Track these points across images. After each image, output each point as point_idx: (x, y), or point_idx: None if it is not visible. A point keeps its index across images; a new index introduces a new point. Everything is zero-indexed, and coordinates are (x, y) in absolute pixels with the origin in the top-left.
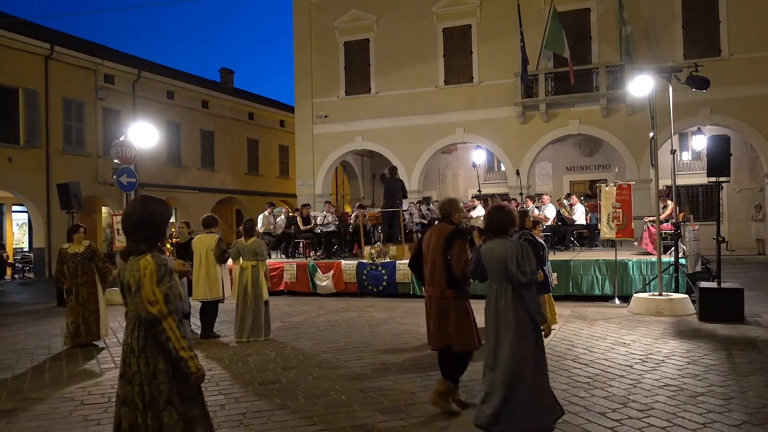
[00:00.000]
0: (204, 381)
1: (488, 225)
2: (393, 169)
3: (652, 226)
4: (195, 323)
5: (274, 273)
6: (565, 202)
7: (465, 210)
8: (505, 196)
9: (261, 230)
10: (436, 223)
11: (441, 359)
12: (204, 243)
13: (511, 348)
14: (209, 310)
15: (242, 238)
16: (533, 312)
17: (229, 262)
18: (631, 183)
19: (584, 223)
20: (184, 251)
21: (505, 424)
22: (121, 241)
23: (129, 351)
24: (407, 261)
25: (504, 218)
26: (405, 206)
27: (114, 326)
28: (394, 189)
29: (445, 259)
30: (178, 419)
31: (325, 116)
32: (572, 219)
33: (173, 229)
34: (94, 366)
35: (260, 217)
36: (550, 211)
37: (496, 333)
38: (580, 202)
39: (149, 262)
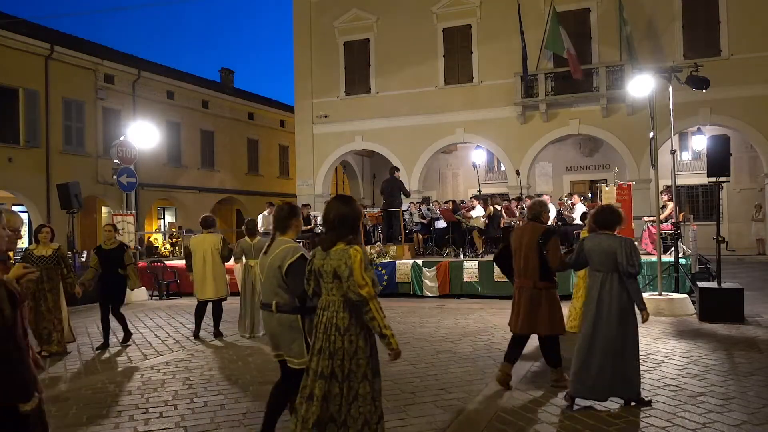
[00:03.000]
0: (400, 357)
1: (597, 221)
2: (393, 170)
3: (652, 226)
4: (202, 323)
5: None
6: (566, 200)
7: (464, 209)
8: (505, 196)
9: (261, 230)
10: (515, 222)
11: (515, 344)
12: (207, 242)
13: (614, 330)
14: (217, 309)
15: (246, 238)
16: (637, 300)
17: (231, 261)
18: (631, 183)
19: (584, 223)
20: (112, 259)
21: (605, 393)
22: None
23: (334, 329)
24: (407, 261)
25: (611, 216)
26: (405, 206)
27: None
28: (394, 189)
29: (540, 254)
30: (370, 391)
31: (325, 116)
32: (572, 219)
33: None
34: (93, 366)
35: (260, 217)
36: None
37: (597, 316)
38: (581, 201)
39: (358, 251)
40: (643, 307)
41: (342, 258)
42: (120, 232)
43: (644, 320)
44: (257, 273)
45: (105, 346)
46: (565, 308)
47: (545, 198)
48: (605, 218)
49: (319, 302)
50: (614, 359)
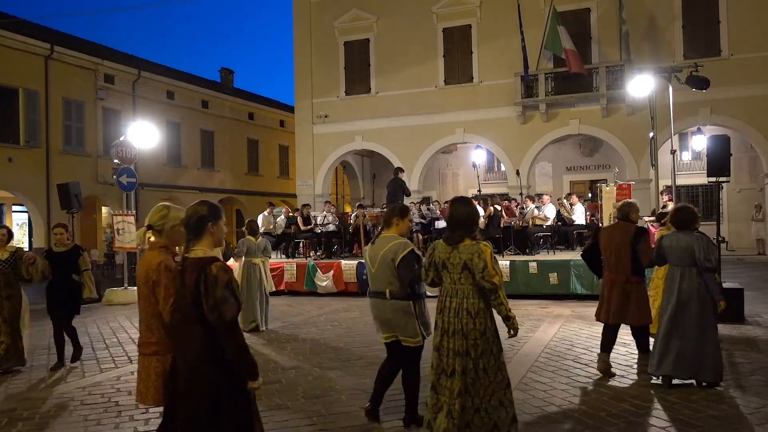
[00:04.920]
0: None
1: (675, 221)
2: (396, 170)
3: (652, 226)
4: None
5: (275, 273)
6: (565, 201)
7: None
8: (505, 196)
9: (261, 230)
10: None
11: (608, 334)
12: None
13: (694, 318)
14: None
15: (250, 237)
16: (715, 291)
17: (230, 261)
18: (631, 183)
19: (584, 223)
20: (64, 263)
21: (684, 373)
22: (120, 241)
23: (465, 313)
24: None
25: (689, 216)
26: None
27: (113, 328)
28: (396, 189)
29: (632, 251)
30: (495, 363)
31: (325, 116)
32: (572, 219)
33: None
34: (93, 366)
35: (260, 217)
36: (549, 211)
37: (677, 306)
38: (581, 202)
39: (488, 246)
40: (720, 297)
41: (474, 252)
42: (120, 232)
43: (721, 309)
44: (260, 270)
45: (60, 365)
46: None
47: (603, 200)
48: (682, 218)
49: (443, 290)
50: (694, 344)
